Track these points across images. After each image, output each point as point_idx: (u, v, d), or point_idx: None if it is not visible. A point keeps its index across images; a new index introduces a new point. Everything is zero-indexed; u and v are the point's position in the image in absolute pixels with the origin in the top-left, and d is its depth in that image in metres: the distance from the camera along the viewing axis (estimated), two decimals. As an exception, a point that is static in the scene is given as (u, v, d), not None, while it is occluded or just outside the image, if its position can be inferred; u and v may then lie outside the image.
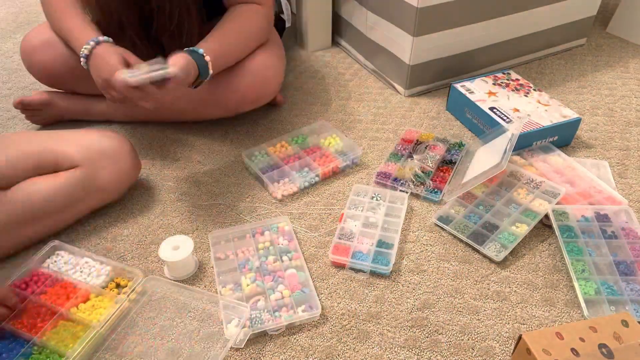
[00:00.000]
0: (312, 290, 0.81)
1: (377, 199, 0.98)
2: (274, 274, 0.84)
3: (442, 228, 0.93)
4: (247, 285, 0.82)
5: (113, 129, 1.20)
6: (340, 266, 0.87)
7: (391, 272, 0.86)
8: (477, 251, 0.89)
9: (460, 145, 1.11)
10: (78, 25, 0.95)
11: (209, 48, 0.94)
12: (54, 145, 0.90)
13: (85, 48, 0.90)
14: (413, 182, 1.00)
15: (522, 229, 0.90)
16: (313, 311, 0.77)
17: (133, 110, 1.19)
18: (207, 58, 0.93)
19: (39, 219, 0.87)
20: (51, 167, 0.89)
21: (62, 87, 1.18)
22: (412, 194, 1.01)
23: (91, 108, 1.20)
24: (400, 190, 1.00)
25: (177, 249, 0.84)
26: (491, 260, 0.87)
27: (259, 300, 0.80)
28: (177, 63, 0.85)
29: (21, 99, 1.16)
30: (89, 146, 0.90)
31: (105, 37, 0.92)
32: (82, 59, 0.91)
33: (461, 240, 0.90)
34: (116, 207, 1.00)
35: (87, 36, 0.92)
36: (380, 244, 0.89)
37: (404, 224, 0.94)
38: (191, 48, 0.93)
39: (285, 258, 0.87)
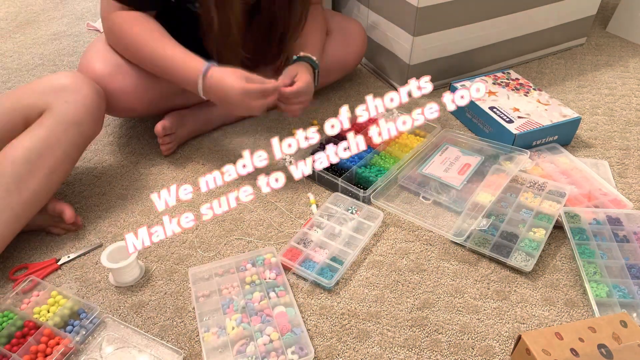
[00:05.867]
0: (303, 330, 0.75)
1: (351, 212, 0.96)
2: (262, 312, 0.78)
3: (461, 245, 0.90)
4: (233, 328, 0.76)
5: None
6: (288, 269, 0.87)
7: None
8: (502, 263, 0.87)
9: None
10: (181, 54, 0.95)
11: (314, 52, 1.08)
12: (16, 103, 0.90)
13: (201, 74, 0.92)
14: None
15: (541, 234, 0.89)
16: (304, 352, 0.73)
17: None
18: (317, 61, 1.08)
19: (31, 172, 0.85)
20: (22, 125, 0.88)
21: (140, 112, 1.10)
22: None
23: (211, 114, 1.17)
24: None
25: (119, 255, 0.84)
26: (501, 264, 0.88)
27: (245, 345, 0.74)
28: (303, 77, 1.00)
29: (161, 125, 1.07)
30: (47, 88, 0.90)
31: (212, 61, 0.94)
32: (199, 86, 0.93)
33: (484, 255, 0.88)
34: (116, 206, 1.00)
35: (197, 63, 0.93)
36: (334, 258, 0.87)
37: (369, 242, 0.91)
38: (303, 55, 1.05)
39: (272, 294, 0.81)
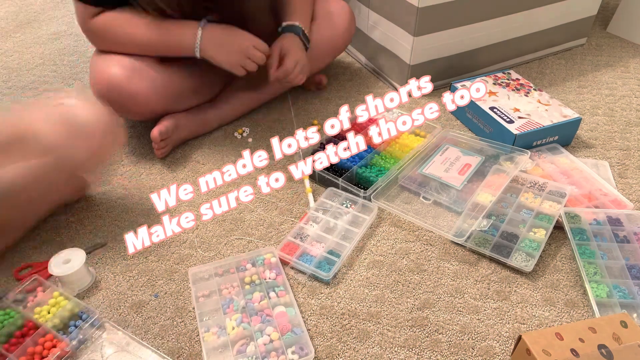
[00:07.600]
0: (303, 330, 0.75)
1: (346, 206, 0.96)
2: (262, 312, 0.78)
3: (462, 246, 0.90)
4: (233, 328, 0.76)
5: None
6: (285, 263, 0.87)
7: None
8: (503, 263, 0.87)
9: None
10: (168, 24, 0.99)
11: (303, 21, 1.11)
12: (19, 121, 0.77)
13: (199, 32, 0.98)
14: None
15: (541, 234, 0.89)
16: (304, 352, 0.73)
17: (244, 103, 1.22)
18: (306, 31, 1.12)
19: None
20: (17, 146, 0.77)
21: (160, 113, 1.08)
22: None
23: (207, 116, 1.16)
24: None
25: (68, 262, 0.82)
26: (502, 264, 0.88)
27: (245, 345, 0.74)
28: (290, 55, 1.06)
29: (158, 130, 1.04)
30: (63, 122, 0.77)
31: (208, 17, 1.00)
32: (196, 47, 0.99)
33: (484, 255, 0.88)
34: (116, 206, 1.00)
35: (190, 26, 0.99)
36: (331, 251, 0.88)
37: (365, 235, 0.92)
38: (285, 25, 1.10)
39: (272, 294, 0.81)
